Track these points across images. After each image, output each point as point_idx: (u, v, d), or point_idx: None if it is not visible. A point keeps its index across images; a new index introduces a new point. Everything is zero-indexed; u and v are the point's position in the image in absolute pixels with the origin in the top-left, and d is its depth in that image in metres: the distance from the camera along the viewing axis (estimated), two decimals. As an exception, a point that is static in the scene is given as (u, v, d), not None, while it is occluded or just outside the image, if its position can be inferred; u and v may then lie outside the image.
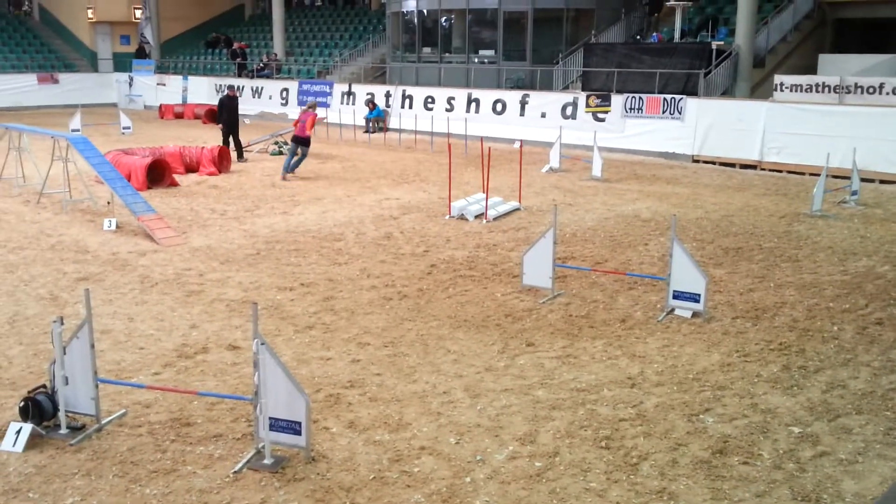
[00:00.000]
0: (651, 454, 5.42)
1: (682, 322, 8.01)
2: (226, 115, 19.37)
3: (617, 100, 20.62)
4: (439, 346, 7.40)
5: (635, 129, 20.30)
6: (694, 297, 8.05)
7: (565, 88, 23.44)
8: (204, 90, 31.31)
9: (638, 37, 24.32)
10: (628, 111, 20.41)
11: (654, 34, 23.38)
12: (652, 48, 21.71)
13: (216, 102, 29.21)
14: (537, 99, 22.45)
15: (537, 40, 24.87)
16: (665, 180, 16.72)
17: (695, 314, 8.09)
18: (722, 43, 20.79)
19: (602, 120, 20.80)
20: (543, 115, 22.06)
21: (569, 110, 21.55)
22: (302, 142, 16.69)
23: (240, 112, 20.29)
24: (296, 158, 16.80)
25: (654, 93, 20.11)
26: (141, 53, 35.91)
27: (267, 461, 5.24)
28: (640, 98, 20.19)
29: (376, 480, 5.11)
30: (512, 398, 6.29)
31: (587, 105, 21.16)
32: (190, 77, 32.75)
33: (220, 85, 25.81)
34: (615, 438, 5.66)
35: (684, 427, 5.81)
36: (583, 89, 22.04)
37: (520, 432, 5.74)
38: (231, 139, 19.27)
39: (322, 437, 5.63)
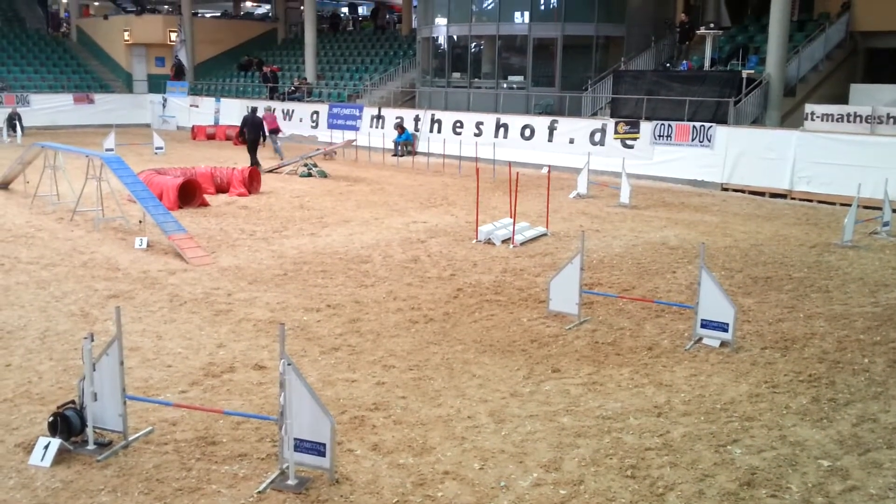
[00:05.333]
0: (677, 484, 5.36)
1: (710, 351, 7.93)
2: (248, 129, 21.97)
3: (646, 127, 20.60)
4: (464, 371, 7.38)
5: (664, 156, 20.25)
6: (722, 327, 7.98)
7: (594, 115, 23.47)
8: (235, 112, 31.70)
9: (668, 64, 24.32)
10: (657, 138, 20.37)
11: (685, 62, 23.37)
12: (682, 76, 21.70)
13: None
14: (566, 125, 22.48)
15: (566, 67, 24.97)
16: (693, 208, 16.64)
17: (723, 343, 8.02)
18: (752, 71, 20.74)
19: (631, 147, 20.78)
20: (572, 141, 22.08)
21: (597, 136, 21.56)
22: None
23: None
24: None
25: (683, 120, 20.07)
26: (179, 73, 36.45)
27: (291, 482, 5.25)
28: (669, 125, 20.15)
29: (399, 504, 5.09)
30: (537, 424, 6.26)
31: (616, 131, 21.16)
32: (222, 99, 33.22)
33: (249, 106, 26.33)
34: (641, 468, 5.61)
35: (711, 458, 5.74)
36: (612, 116, 22.06)
37: (544, 459, 5.70)
38: (250, 153, 21.78)
39: (346, 460, 5.63)
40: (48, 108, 33.22)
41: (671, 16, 26.10)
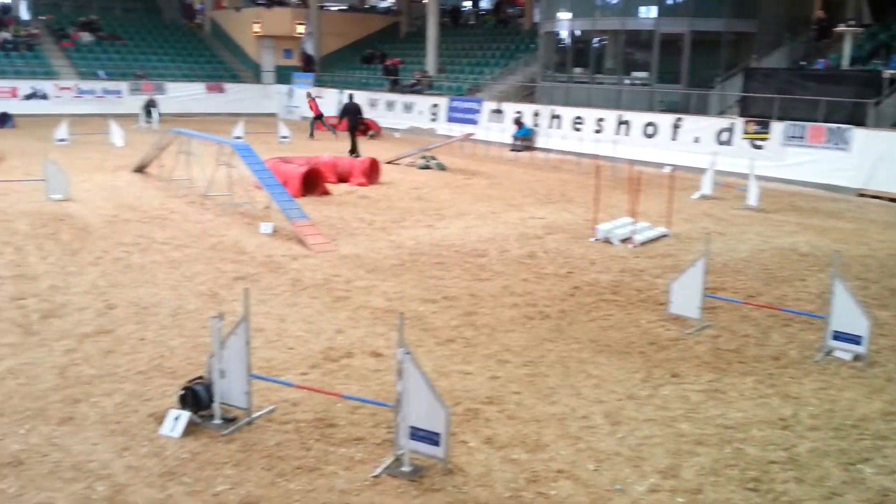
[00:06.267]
0: (802, 501, 5.13)
1: (842, 365, 7.54)
2: (348, 116, 23.11)
3: (777, 127, 19.75)
4: (580, 370, 7.28)
5: (796, 158, 19.36)
6: (855, 339, 7.56)
7: (721, 113, 22.67)
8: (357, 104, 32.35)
9: (803, 62, 23.24)
10: (789, 139, 19.50)
11: (821, 60, 22.28)
12: (817, 74, 20.68)
13: (368, 116, 30.48)
14: (691, 123, 21.84)
15: (694, 63, 24.21)
16: (826, 213, 15.85)
17: (856, 357, 7.59)
18: (895, 72, 19.54)
19: (760, 147, 19.98)
20: (697, 140, 21.43)
21: (724, 136, 20.84)
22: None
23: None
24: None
25: (817, 121, 19.12)
26: (309, 64, 37.42)
27: (405, 469, 5.31)
28: (802, 126, 19.24)
29: (512, 499, 5.07)
30: (654, 429, 6.11)
31: (745, 131, 20.39)
32: (345, 91, 33.94)
33: (347, 93, 27.09)
34: (764, 481, 5.39)
35: (840, 476, 5.46)
36: (741, 115, 21.26)
37: (661, 465, 5.56)
38: (350, 138, 22.69)
39: (459, 451, 5.65)
40: (182, 96, 34.78)
41: (807, 12, 24.93)
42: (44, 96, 32.08)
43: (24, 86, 31.88)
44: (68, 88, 32.77)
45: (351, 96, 25.61)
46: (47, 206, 13.97)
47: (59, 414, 6.06)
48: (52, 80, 32.81)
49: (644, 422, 6.23)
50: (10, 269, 10.02)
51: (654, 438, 5.95)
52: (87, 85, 33.26)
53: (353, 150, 22.27)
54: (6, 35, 34.30)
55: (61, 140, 22.68)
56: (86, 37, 36.56)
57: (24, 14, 38.19)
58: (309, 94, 28.21)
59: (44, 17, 37.44)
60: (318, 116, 27.76)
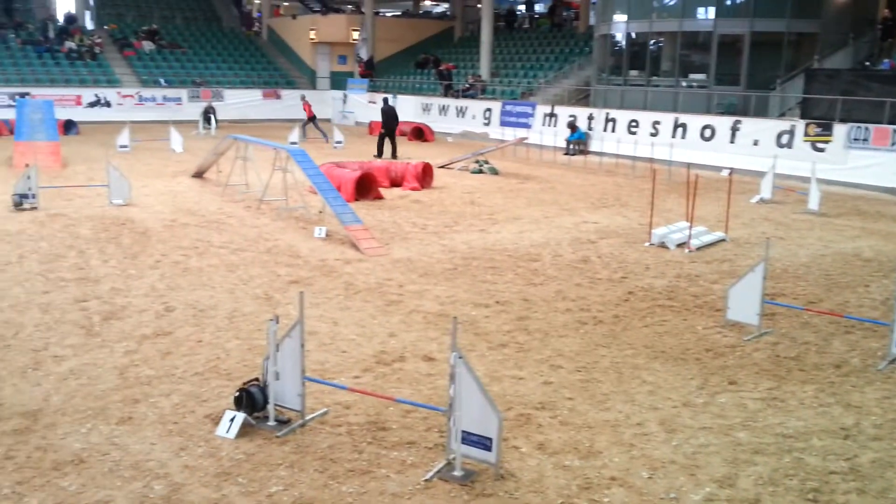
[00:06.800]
0: (866, 514, 4.97)
1: (908, 373, 7.30)
2: (385, 119, 23.37)
3: (840, 129, 19.26)
4: (634, 376, 7.19)
5: (860, 161, 18.84)
6: (922, 347, 7.32)
7: (781, 115, 22.20)
8: (411, 109, 32.55)
9: (867, 63, 22.62)
10: (852, 142, 19.00)
11: (886, 60, 21.67)
12: (883, 75, 20.12)
13: (421, 121, 30.69)
14: (750, 126, 21.42)
15: (753, 64, 23.76)
16: (891, 218, 15.38)
17: (923, 366, 7.36)
18: (964, 71, 18.92)
19: (822, 150, 19.49)
20: (756, 143, 21.00)
21: (784, 138, 20.39)
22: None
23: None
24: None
25: (882, 123, 18.58)
26: (370, 67, 37.72)
27: (457, 473, 5.30)
28: (866, 128, 18.73)
29: (564, 506, 5.02)
30: (710, 437, 5.99)
31: (806, 134, 19.92)
32: (399, 96, 34.17)
33: (384, 98, 27.35)
34: (824, 492, 5.24)
35: (906, 489, 5.28)
36: (802, 117, 20.78)
37: (718, 474, 5.44)
38: (390, 140, 23.14)
39: (511, 456, 5.62)
40: (239, 102, 35.37)
41: (872, 11, 24.26)
42: (107, 104, 32.96)
43: (88, 93, 32.80)
44: (130, 96, 33.62)
45: (386, 100, 26.07)
46: (109, 210, 14.34)
47: (118, 414, 6.20)
48: (115, 88, 33.69)
49: (700, 430, 6.12)
50: (74, 271, 10.30)
51: (711, 447, 5.84)
52: (148, 92, 34.08)
53: (393, 153, 22.97)
54: (71, 44, 35.35)
55: (123, 146, 23.27)
56: (147, 45, 37.48)
57: (89, 24, 39.31)
58: (303, 97, 28.89)
59: (107, 27, 38.50)
60: (311, 118, 27.97)
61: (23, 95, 28.17)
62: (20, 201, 14.20)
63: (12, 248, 11.48)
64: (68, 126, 27.84)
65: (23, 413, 6.19)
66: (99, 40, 36.50)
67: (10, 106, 28.45)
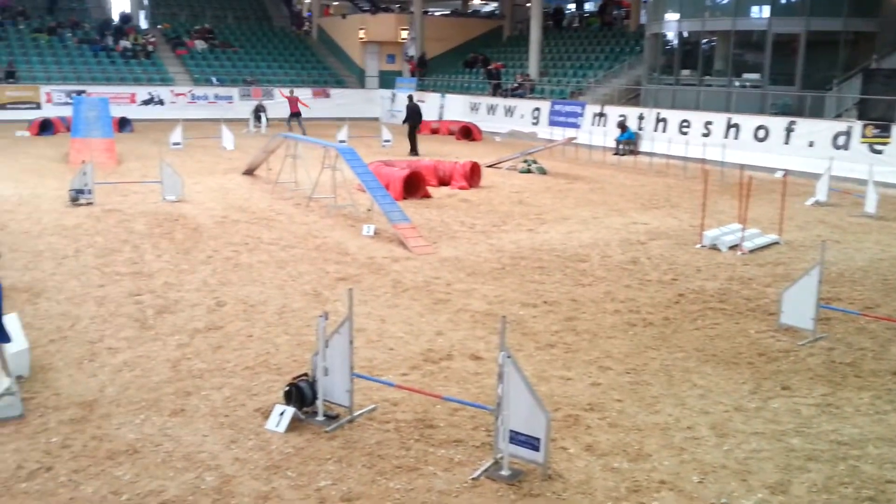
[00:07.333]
0: (926, 526, 4.83)
1: (970, 382, 7.08)
2: (409, 115, 24.15)
3: (898, 131, 18.77)
4: (685, 379, 7.09)
5: (918, 163, 18.35)
6: None
7: (838, 116, 21.69)
8: (459, 108, 32.58)
9: (927, 62, 22.00)
10: (911, 143, 18.50)
11: (948, 60, 21.06)
12: (944, 75, 19.54)
13: (469, 120, 30.67)
14: (805, 126, 20.98)
15: (809, 64, 23.27)
16: (951, 222, 14.94)
17: None
18: None
19: (880, 152, 19.01)
20: (811, 145, 20.58)
21: (841, 140, 19.93)
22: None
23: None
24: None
25: (943, 124, 18.08)
26: (422, 65, 37.80)
27: (504, 472, 5.28)
28: (926, 130, 18.23)
29: (613, 509, 4.97)
30: (763, 442, 5.88)
31: (863, 135, 19.45)
32: (447, 95, 34.21)
33: (409, 95, 27.44)
34: (880, 501, 5.11)
35: (968, 501, 5.12)
36: (859, 118, 20.29)
37: (770, 480, 5.34)
38: (409, 137, 23.72)
39: (559, 457, 5.58)
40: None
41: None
42: (160, 102, 33.59)
43: (142, 91, 33.48)
44: (183, 94, 34.21)
45: (411, 97, 26.39)
46: (163, 206, 14.61)
47: (171, 406, 6.31)
48: (168, 87, 34.31)
49: (752, 435, 6.01)
50: (129, 266, 10.51)
51: (763, 452, 5.73)
52: (200, 91, 34.63)
53: (413, 151, 23.46)
54: (126, 43, 36.09)
55: (176, 144, 23.69)
56: (200, 44, 38.09)
57: (143, 23, 40.09)
58: (291, 92, 28.74)
59: (161, 26, 39.22)
60: (296, 114, 27.58)
61: (79, 93, 28.79)
62: (76, 197, 14.56)
63: (69, 242, 11.77)
64: (123, 123, 28.42)
65: (79, 403, 6.33)
66: (153, 39, 37.21)
67: (66, 104, 29.14)
